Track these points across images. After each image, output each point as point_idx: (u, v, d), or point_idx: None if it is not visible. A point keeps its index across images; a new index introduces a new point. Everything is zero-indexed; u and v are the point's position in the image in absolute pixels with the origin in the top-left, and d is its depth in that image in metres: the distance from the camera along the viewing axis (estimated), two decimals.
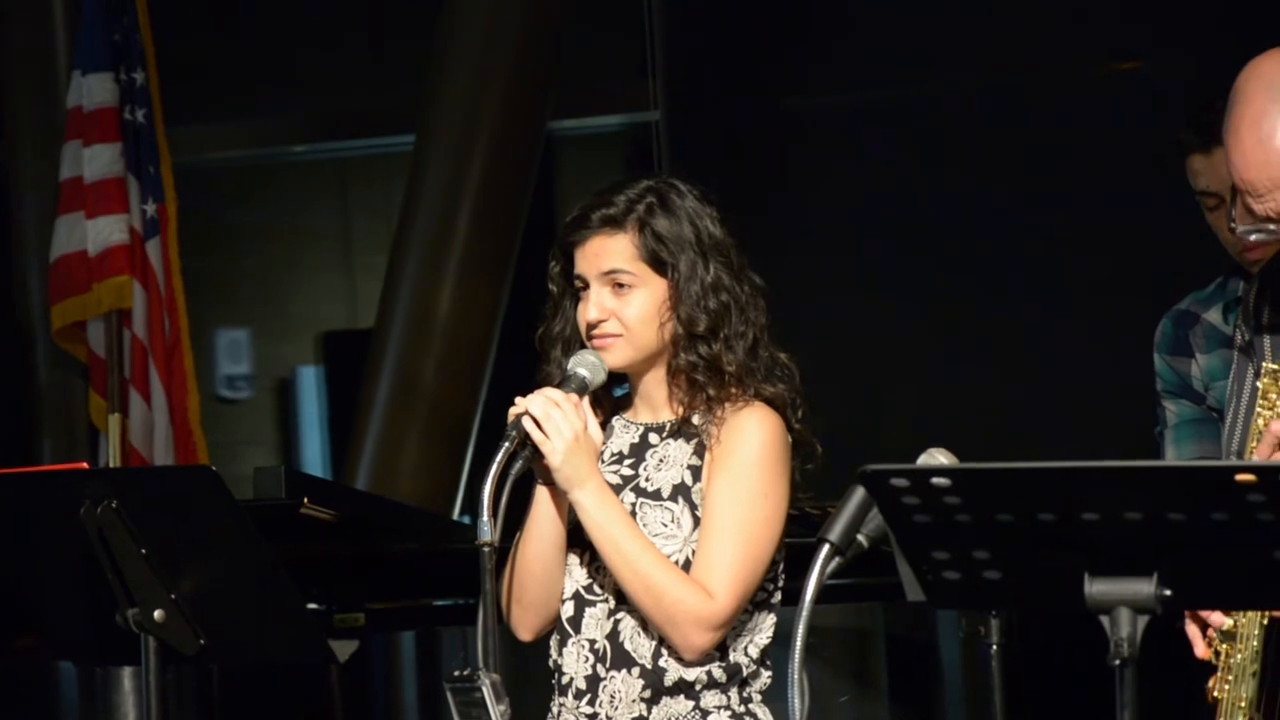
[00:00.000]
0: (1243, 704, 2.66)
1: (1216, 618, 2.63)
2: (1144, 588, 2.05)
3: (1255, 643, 2.65)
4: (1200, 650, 2.66)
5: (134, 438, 5.77)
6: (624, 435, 2.91)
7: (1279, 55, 2.68)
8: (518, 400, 2.79)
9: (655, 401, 2.89)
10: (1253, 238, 2.70)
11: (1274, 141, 2.61)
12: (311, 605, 3.98)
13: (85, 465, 3.39)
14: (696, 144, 6.53)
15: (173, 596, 2.96)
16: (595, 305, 2.82)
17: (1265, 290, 2.77)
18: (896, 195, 6.15)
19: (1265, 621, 2.65)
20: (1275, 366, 2.71)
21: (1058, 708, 3.93)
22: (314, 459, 8.43)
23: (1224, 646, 2.67)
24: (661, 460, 2.85)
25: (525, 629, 2.90)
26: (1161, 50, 5.88)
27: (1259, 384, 2.72)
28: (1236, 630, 2.65)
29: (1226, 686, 2.67)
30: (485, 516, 2.67)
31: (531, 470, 2.81)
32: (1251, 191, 2.65)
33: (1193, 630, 2.66)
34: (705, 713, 2.81)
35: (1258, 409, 2.71)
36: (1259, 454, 2.64)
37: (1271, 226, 2.65)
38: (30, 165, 6.36)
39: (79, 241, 5.81)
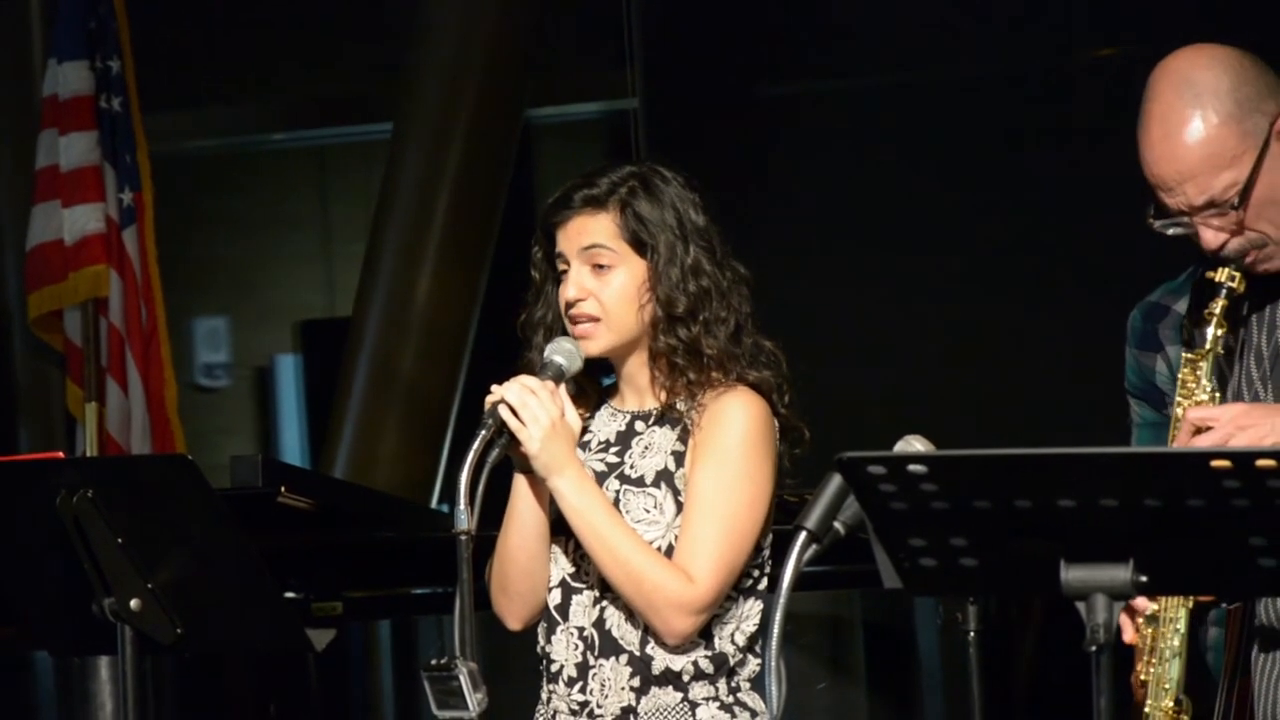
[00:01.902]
0: (1167, 685, 2.69)
1: (1141, 603, 2.65)
2: (1120, 574, 2.05)
3: (1180, 625, 2.68)
4: (1128, 635, 2.68)
5: (111, 426, 5.76)
6: (611, 423, 2.91)
7: (1188, 53, 2.75)
8: (494, 388, 2.79)
9: (640, 388, 2.89)
10: (1170, 232, 2.74)
11: (1180, 136, 2.66)
12: (289, 594, 3.98)
13: (61, 454, 3.39)
14: (674, 131, 6.53)
15: (149, 586, 2.95)
16: (574, 284, 2.82)
17: (1203, 282, 2.80)
18: (875, 184, 6.16)
19: (1191, 605, 2.68)
20: (1193, 355, 2.74)
21: (1035, 694, 3.94)
22: (292, 447, 8.42)
23: (1149, 630, 2.69)
24: (647, 447, 2.85)
25: (513, 618, 2.90)
26: (1143, 38, 5.89)
27: (1180, 374, 2.75)
28: (1160, 614, 2.68)
29: (1152, 669, 2.69)
30: (462, 505, 2.67)
31: (510, 458, 2.81)
32: (1161, 186, 2.70)
33: (1121, 617, 2.67)
34: (694, 705, 2.81)
35: (1178, 398, 2.74)
36: (1178, 442, 2.67)
37: (1185, 220, 2.70)
38: (6, 154, 6.34)
39: (55, 230, 5.80)
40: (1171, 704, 2.69)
